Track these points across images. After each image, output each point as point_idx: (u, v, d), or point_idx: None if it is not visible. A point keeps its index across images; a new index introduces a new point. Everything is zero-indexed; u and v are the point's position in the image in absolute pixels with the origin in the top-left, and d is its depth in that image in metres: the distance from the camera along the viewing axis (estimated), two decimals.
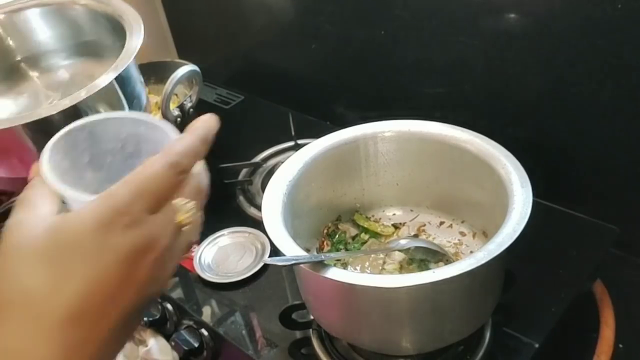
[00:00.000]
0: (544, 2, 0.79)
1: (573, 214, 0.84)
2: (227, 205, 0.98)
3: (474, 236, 0.75)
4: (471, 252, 0.72)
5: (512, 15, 0.83)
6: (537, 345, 0.67)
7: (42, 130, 0.51)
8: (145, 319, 0.82)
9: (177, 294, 0.83)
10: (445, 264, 0.65)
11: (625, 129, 0.79)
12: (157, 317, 0.82)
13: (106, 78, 0.57)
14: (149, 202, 0.33)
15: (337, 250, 0.75)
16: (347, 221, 0.79)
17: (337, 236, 0.76)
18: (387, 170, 0.77)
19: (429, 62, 0.96)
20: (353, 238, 0.77)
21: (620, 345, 0.73)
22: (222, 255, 0.86)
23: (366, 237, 0.77)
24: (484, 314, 0.66)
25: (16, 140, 0.53)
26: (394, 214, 0.80)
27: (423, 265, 0.69)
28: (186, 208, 0.35)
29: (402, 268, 0.70)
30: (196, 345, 0.78)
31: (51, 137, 0.36)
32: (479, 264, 0.54)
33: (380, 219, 0.79)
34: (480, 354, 0.68)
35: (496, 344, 0.69)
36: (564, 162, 0.87)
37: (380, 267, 0.70)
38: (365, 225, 0.77)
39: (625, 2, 0.71)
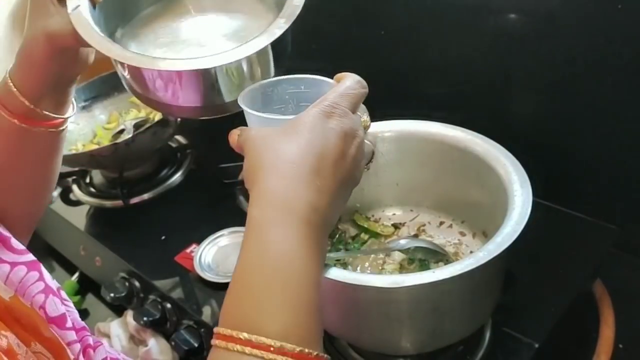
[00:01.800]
0: (544, 2, 0.79)
1: (573, 214, 0.84)
2: (227, 205, 0.98)
3: (473, 236, 0.75)
4: (471, 252, 0.72)
5: (512, 15, 0.83)
6: (537, 345, 0.67)
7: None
8: (145, 318, 0.82)
9: (177, 294, 0.83)
10: (445, 264, 0.65)
11: (625, 129, 0.79)
12: (157, 317, 0.82)
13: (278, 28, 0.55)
14: (350, 103, 0.46)
15: (337, 250, 0.75)
16: (347, 221, 0.79)
17: (337, 236, 0.76)
18: (387, 170, 0.77)
19: (429, 62, 0.96)
20: (353, 238, 0.77)
21: (620, 345, 0.73)
22: (222, 255, 0.86)
23: (366, 237, 0.77)
24: (484, 314, 0.66)
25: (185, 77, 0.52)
26: (394, 214, 0.80)
27: (423, 265, 0.69)
28: (364, 118, 0.49)
29: (402, 268, 0.70)
30: (196, 345, 0.78)
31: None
32: (479, 264, 0.54)
33: (380, 219, 0.79)
34: (480, 354, 0.68)
35: (496, 344, 0.69)
36: (564, 162, 0.87)
37: (380, 267, 0.71)
38: (365, 225, 0.77)
39: (625, 2, 0.71)
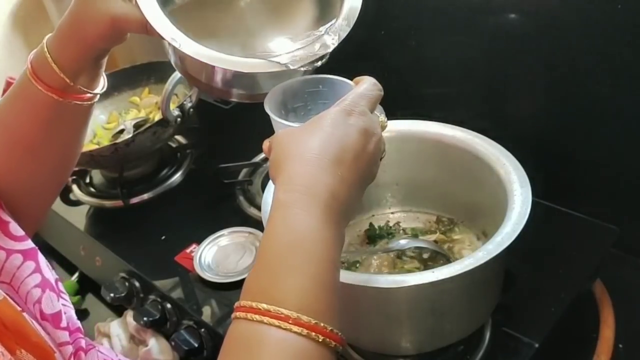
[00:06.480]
0: (544, 2, 0.79)
1: (573, 214, 0.84)
2: (227, 205, 0.98)
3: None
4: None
5: (512, 15, 0.83)
6: (536, 345, 0.67)
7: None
8: (145, 318, 0.82)
9: (177, 294, 0.83)
10: (445, 264, 0.65)
11: (625, 128, 0.79)
12: (157, 317, 0.82)
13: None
14: (368, 103, 0.48)
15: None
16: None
17: None
18: (387, 170, 0.77)
19: (429, 62, 0.96)
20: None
21: (620, 345, 0.73)
22: (222, 255, 0.86)
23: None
24: (483, 314, 0.66)
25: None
26: (394, 214, 0.80)
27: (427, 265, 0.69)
28: (381, 117, 0.51)
29: (423, 265, 0.69)
30: (196, 345, 0.78)
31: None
32: (479, 263, 0.54)
33: (380, 219, 0.79)
34: (480, 353, 0.68)
35: (496, 343, 0.69)
36: (564, 162, 0.87)
37: (394, 266, 0.70)
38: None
39: (625, 2, 0.71)
